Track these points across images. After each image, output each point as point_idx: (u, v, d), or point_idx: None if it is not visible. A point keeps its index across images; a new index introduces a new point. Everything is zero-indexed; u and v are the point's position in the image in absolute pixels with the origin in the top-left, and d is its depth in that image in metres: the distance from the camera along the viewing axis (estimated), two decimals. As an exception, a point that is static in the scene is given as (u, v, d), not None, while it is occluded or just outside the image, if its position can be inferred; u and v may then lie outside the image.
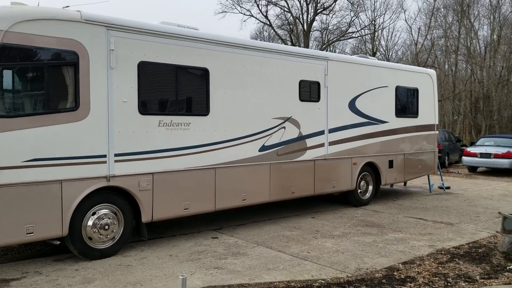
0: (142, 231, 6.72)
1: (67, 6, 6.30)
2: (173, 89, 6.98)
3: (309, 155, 9.04)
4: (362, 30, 38.26)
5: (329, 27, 38.26)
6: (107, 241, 6.33)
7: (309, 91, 9.08)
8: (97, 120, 6.12)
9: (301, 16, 36.40)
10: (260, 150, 8.16)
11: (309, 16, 36.16)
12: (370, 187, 10.72)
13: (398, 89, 11.17)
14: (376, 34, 39.78)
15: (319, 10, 36.32)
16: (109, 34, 6.22)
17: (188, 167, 7.13)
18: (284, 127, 8.55)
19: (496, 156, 17.56)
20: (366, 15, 45.93)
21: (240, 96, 7.85)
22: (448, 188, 13.41)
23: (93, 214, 6.19)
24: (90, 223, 6.13)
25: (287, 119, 8.61)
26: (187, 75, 7.17)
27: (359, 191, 10.40)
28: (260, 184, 8.19)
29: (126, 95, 6.41)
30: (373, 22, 38.61)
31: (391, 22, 47.76)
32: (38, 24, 5.62)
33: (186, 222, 8.42)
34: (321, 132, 9.29)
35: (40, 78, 5.73)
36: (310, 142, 9.06)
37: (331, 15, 37.66)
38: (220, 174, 7.53)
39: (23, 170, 5.49)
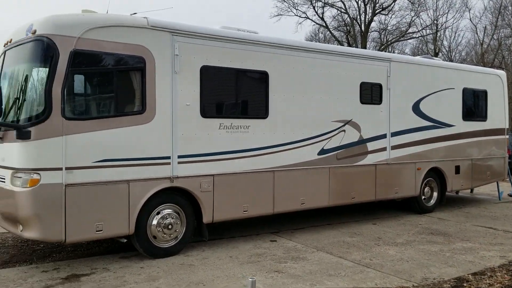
0: (203, 231, 6.89)
1: (135, 13, 6.62)
2: (233, 92, 7.13)
3: (370, 159, 8.86)
4: (423, 30, 37.04)
5: (388, 28, 37.37)
6: (170, 240, 6.55)
7: (371, 94, 8.91)
8: (162, 123, 6.37)
9: (358, 17, 35.82)
10: (319, 154, 8.12)
11: (367, 16, 35.50)
12: (435, 194, 10.32)
13: (465, 91, 10.69)
14: (439, 34, 38.35)
15: (378, 11, 35.55)
16: (173, 39, 6.47)
17: (247, 170, 7.23)
18: (344, 130, 8.45)
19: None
20: (428, 14, 44.29)
21: (300, 99, 7.85)
22: (519, 196, 12.62)
23: (158, 213, 6.43)
24: (154, 222, 6.38)
25: (347, 122, 8.50)
26: (247, 78, 7.29)
27: (423, 197, 10.05)
28: (319, 188, 8.14)
29: (189, 99, 6.62)
30: (435, 21, 37.24)
31: (454, 22, 45.68)
32: (107, 30, 5.95)
33: (244, 224, 8.53)
34: (383, 136, 9.08)
35: (109, 82, 6.06)
36: (371, 146, 8.88)
37: (390, 15, 36.78)
38: (279, 177, 7.57)
39: (94, 170, 5.82)
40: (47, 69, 5.57)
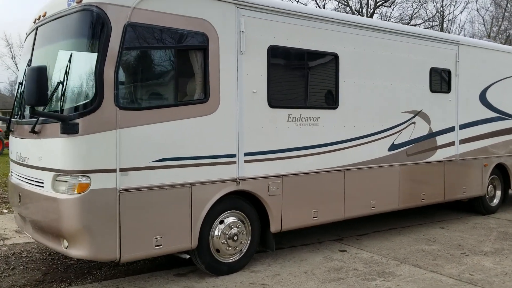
0: (269, 242, 5.93)
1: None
2: (302, 77, 6.15)
3: (439, 155, 7.96)
4: (427, 22, 36.11)
5: (391, 20, 36.43)
6: (235, 253, 5.60)
7: (440, 81, 7.99)
8: (227, 114, 5.39)
9: (360, 9, 34.83)
10: (389, 150, 7.19)
11: (369, 9, 34.52)
12: (498, 193, 9.45)
13: (527, 78, 9.80)
14: (445, 25, 37.51)
15: (380, 3, 34.59)
16: (239, 13, 5.47)
17: (317, 169, 6.27)
18: (414, 123, 7.53)
19: None
20: (434, 4, 43.41)
21: (370, 86, 6.90)
22: None
23: (221, 222, 5.47)
24: (217, 233, 5.42)
25: (417, 113, 7.58)
26: (316, 61, 6.31)
27: (486, 196, 9.18)
28: (389, 189, 7.21)
29: (255, 85, 5.63)
30: (441, 13, 36.37)
31: (461, 12, 44.77)
32: (165, 0, 4.94)
33: (300, 230, 7.58)
34: (451, 129, 8.18)
35: (167, 64, 5.07)
36: (440, 140, 7.97)
37: (392, 7, 35.85)
38: (349, 177, 6.63)
39: (152, 171, 4.83)
40: (97, 46, 4.55)
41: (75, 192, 4.47)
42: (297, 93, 6.11)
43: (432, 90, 7.81)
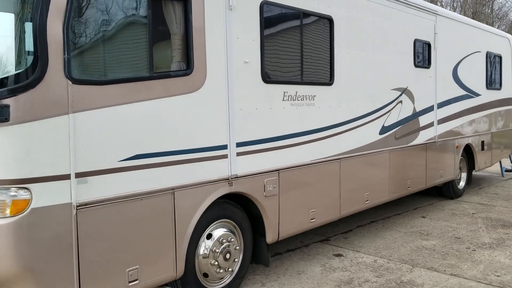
0: (263, 255, 4.73)
1: None
2: (297, 45, 4.95)
3: (421, 137, 7.29)
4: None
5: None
6: (225, 275, 4.32)
7: (422, 54, 7.27)
8: (216, 91, 4.04)
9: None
10: (380, 133, 6.31)
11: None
12: (464, 175, 9.16)
13: (488, 55, 9.58)
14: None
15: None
16: (226, -47, 4.09)
17: (314, 160, 5.17)
18: (401, 101, 6.73)
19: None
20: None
21: (362, 58, 5.91)
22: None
23: (208, 237, 4.15)
24: (205, 251, 4.10)
25: (404, 91, 6.79)
26: (311, 25, 5.14)
27: (456, 180, 8.82)
28: (380, 178, 6.36)
29: (247, 53, 4.33)
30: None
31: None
32: None
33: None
34: (431, 108, 7.55)
35: (138, 19, 3.55)
36: (422, 120, 7.30)
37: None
38: (344, 167, 5.63)
39: (122, 175, 3.36)
40: (34, -16, 2.94)
41: (7, 214, 2.88)
42: (292, 65, 4.91)
43: (416, 65, 7.06)
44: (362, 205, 6.00)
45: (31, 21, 2.95)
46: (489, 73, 9.64)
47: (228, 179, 4.16)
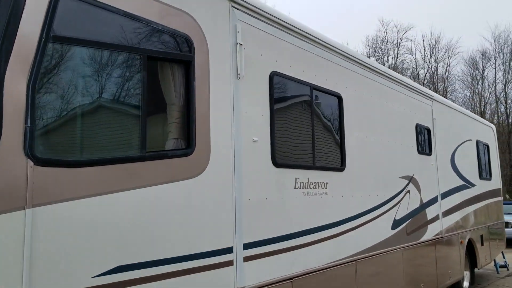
0: None
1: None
2: (308, 124, 4.26)
3: (430, 232, 6.55)
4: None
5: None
6: None
7: (424, 140, 6.79)
8: (220, 176, 3.19)
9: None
10: (392, 228, 5.53)
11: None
12: (467, 273, 8.37)
13: (478, 144, 9.32)
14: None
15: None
16: (234, 16, 3.48)
17: (330, 262, 4.26)
18: (409, 191, 6.06)
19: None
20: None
21: (371, 142, 5.29)
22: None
23: None
24: None
25: (411, 179, 6.15)
26: (321, 102, 4.51)
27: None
28: (395, 282, 5.46)
29: (256, 130, 3.58)
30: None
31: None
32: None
33: None
34: (435, 199, 6.91)
35: (127, 82, 2.77)
36: (429, 213, 6.61)
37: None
38: (360, 270, 4.73)
39: (96, 296, 2.35)
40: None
41: None
42: (304, 146, 4.18)
43: (420, 151, 6.53)
44: (380, 317, 5.02)
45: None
46: (480, 162, 9.32)
47: (233, 293, 3.18)
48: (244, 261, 3.29)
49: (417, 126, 6.55)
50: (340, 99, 4.74)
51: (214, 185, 3.12)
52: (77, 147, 2.50)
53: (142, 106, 2.71)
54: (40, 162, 2.18)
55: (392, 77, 5.96)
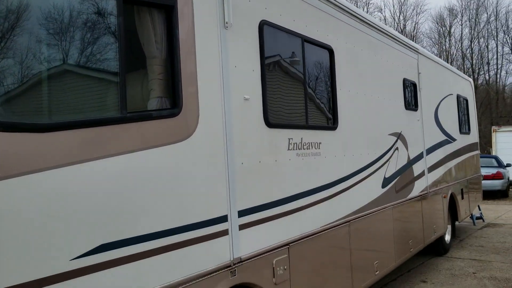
0: None
1: None
2: (300, 80, 3.92)
3: (417, 189, 6.43)
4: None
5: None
6: None
7: (410, 95, 6.56)
8: (211, 138, 2.85)
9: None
10: (383, 186, 5.35)
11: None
12: (449, 227, 8.42)
13: (458, 98, 9.20)
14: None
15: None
16: (218, -47, 3.04)
17: (325, 225, 4.04)
18: (397, 148, 5.87)
19: (486, 177, 16.66)
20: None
21: (361, 98, 5.01)
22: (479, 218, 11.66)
23: None
24: None
25: (399, 136, 5.95)
26: (312, 55, 4.15)
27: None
28: (387, 241, 5.34)
29: (247, 87, 3.22)
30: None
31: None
32: None
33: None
34: (421, 155, 6.77)
35: (101, 31, 2.34)
36: (416, 169, 6.47)
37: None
38: (354, 231, 4.54)
39: (76, 283, 2.02)
40: None
41: None
42: (296, 104, 3.85)
43: (407, 107, 6.31)
44: (373, 277, 4.89)
45: None
46: (460, 116, 9.23)
47: (230, 266, 2.90)
48: (239, 230, 3.01)
49: (404, 80, 6.29)
50: (331, 52, 4.39)
51: (205, 149, 2.78)
52: (45, 109, 2.11)
53: (120, 60, 2.31)
54: (0, 127, 1.78)
55: (381, 29, 5.63)
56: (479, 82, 37.89)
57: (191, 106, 2.69)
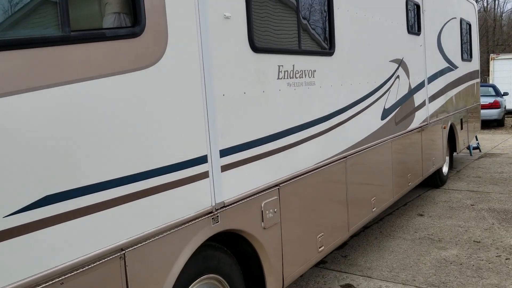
0: (260, 314, 3.16)
1: None
2: (290, 1, 3.36)
3: (417, 120, 6.04)
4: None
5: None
6: None
7: (413, 18, 5.97)
8: (183, 65, 2.36)
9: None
10: (382, 118, 4.93)
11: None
12: (447, 158, 8.13)
13: (462, 22, 8.57)
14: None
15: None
16: None
17: (319, 162, 3.66)
18: (398, 76, 5.39)
19: (483, 107, 16.27)
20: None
21: (361, 19, 4.45)
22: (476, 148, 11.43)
23: (185, 311, 2.50)
24: (181, 337, 2.45)
25: (400, 63, 5.45)
26: (306, -32, 3.54)
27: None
28: (385, 176, 5.01)
29: (227, 1, 2.67)
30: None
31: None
32: None
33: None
34: (422, 84, 6.31)
35: None
36: (416, 99, 6.04)
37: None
38: (350, 167, 4.18)
39: (11, 245, 1.63)
40: None
41: None
42: (287, 25, 3.31)
43: (409, 31, 5.75)
44: (370, 214, 4.61)
45: None
46: (463, 42, 8.65)
47: (211, 212, 2.52)
48: (222, 171, 2.61)
49: (407, 1, 5.68)
50: (327, -36, 3.78)
51: (176, 78, 2.30)
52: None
53: (56, -39, 1.77)
54: None
55: None
56: (477, 9, 36.56)
57: (156, 25, 2.18)
